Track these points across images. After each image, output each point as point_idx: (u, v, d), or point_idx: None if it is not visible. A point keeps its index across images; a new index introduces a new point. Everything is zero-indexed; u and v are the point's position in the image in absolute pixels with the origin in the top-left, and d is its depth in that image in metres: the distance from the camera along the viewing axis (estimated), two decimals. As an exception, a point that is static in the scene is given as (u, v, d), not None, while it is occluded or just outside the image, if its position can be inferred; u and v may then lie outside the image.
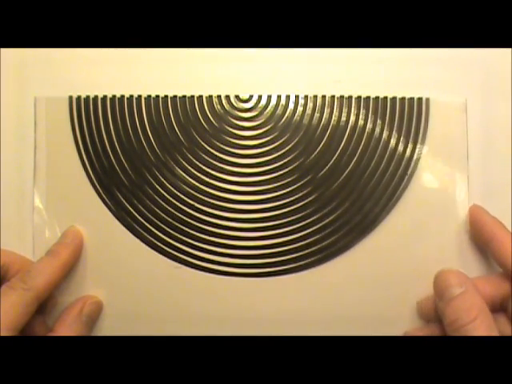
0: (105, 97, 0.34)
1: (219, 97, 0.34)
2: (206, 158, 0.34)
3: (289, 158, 0.34)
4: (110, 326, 0.34)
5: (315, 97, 0.34)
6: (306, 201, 0.34)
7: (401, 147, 0.34)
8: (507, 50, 0.34)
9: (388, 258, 0.34)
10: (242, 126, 0.34)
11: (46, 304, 0.33)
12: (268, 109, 0.34)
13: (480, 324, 0.28)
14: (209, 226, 0.34)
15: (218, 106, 0.34)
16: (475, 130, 0.34)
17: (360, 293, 0.34)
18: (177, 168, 0.34)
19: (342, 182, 0.34)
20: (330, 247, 0.34)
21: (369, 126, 0.34)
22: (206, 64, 0.34)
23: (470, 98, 0.34)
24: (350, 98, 0.34)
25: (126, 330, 0.34)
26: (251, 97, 0.34)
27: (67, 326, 0.32)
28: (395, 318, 0.34)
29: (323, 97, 0.34)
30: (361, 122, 0.34)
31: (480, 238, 0.33)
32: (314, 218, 0.34)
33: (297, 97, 0.34)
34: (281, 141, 0.34)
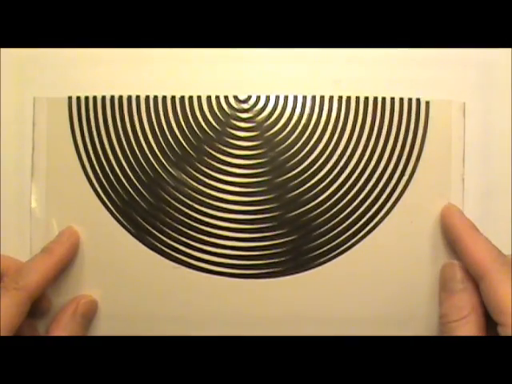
0: (104, 97, 0.34)
1: (218, 97, 0.34)
2: (206, 158, 0.34)
3: (289, 159, 0.34)
4: (107, 326, 0.33)
5: (313, 97, 0.34)
6: (306, 200, 0.34)
7: (399, 148, 0.34)
8: (507, 50, 0.34)
9: (388, 258, 0.33)
10: (242, 127, 0.34)
11: (42, 305, 0.32)
12: (267, 109, 0.34)
13: (465, 324, 0.29)
14: (207, 226, 0.34)
15: (218, 107, 0.34)
16: (474, 131, 0.34)
17: (360, 293, 0.33)
18: (175, 169, 0.34)
19: (342, 183, 0.34)
20: (331, 248, 0.34)
21: (367, 126, 0.34)
22: (205, 64, 0.34)
23: (468, 98, 0.34)
24: (348, 98, 0.34)
25: (123, 329, 0.33)
26: (250, 97, 0.34)
27: (62, 327, 0.31)
28: (396, 319, 0.33)
29: (321, 97, 0.34)
30: (360, 122, 0.34)
31: (448, 239, 0.33)
32: (314, 217, 0.34)
33: (295, 97, 0.34)
34: (281, 141, 0.34)
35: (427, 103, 0.34)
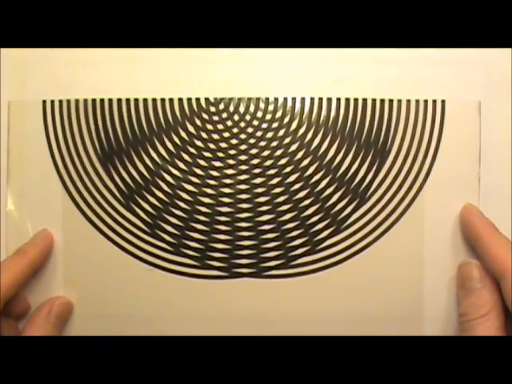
0: (77, 101, 0.34)
1: (207, 99, 0.34)
2: (179, 163, 0.34)
3: (292, 163, 0.34)
4: (81, 327, 0.34)
5: (321, 99, 0.34)
6: (308, 202, 0.34)
7: (415, 148, 0.33)
8: (507, 50, 0.33)
9: (404, 257, 0.33)
10: (239, 127, 0.34)
11: (20, 306, 0.33)
12: (268, 112, 0.34)
13: (485, 322, 0.29)
14: (180, 230, 0.34)
15: (197, 110, 0.34)
16: (486, 130, 0.33)
17: (373, 294, 0.34)
18: (148, 173, 0.34)
19: (357, 185, 0.34)
20: (345, 248, 0.34)
21: (385, 126, 0.33)
22: (201, 64, 0.34)
23: (473, 98, 0.34)
24: (363, 100, 0.34)
25: (97, 330, 0.34)
26: (250, 99, 0.34)
27: (36, 328, 0.32)
28: (406, 319, 0.34)
29: (329, 99, 0.34)
30: (376, 123, 0.34)
31: (468, 238, 0.33)
32: (319, 219, 0.34)
33: (293, 99, 0.34)
34: (286, 142, 0.34)
35: (443, 102, 0.33)
